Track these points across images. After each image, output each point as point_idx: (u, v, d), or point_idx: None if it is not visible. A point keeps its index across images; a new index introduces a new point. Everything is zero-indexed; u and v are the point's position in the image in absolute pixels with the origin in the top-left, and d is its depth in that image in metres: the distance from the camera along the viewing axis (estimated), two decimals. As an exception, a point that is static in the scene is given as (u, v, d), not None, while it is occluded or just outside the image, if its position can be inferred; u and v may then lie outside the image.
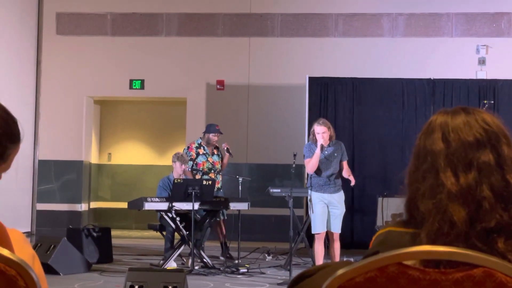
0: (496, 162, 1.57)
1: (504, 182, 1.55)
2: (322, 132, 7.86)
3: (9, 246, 1.64)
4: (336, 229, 7.93)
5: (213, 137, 9.94)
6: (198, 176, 9.76)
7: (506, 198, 1.54)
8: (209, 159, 9.92)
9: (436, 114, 1.69)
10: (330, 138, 7.96)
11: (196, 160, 9.92)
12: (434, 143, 1.62)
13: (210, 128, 10.02)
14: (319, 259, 7.95)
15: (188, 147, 10.07)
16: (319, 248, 7.93)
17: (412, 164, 1.66)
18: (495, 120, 1.64)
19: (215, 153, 10.03)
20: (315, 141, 7.93)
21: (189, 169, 9.83)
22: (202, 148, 9.96)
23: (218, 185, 9.88)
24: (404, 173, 1.68)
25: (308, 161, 7.95)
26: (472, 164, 1.57)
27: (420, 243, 1.52)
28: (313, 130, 7.99)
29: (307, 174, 8.28)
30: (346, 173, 8.03)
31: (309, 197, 8.05)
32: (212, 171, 9.89)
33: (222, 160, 10.08)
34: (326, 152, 7.93)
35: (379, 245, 1.64)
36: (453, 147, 1.60)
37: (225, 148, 9.94)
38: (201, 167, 9.88)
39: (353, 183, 8.08)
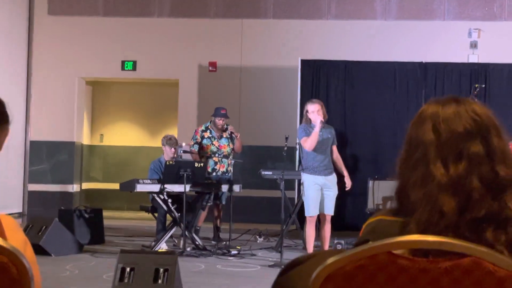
0: (486, 153, 1.58)
1: (493, 172, 1.57)
2: (316, 110, 7.89)
3: (1, 233, 1.65)
4: (330, 210, 7.99)
5: (218, 121, 9.87)
6: (203, 159, 9.74)
7: (495, 188, 1.55)
8: (214, 142, 9.85)
9: (427, 103, 1.70)
10: (324, 117, 7.98)
11: (201, 143, 9.88)
12: (425, 133, 1.63)
13: (216, 112, 9.95)
14: (310, 242, 8.00)
15: (195, 131, 10.04)
16: (310, 230, 7.98)
17: (404, 153, 1.67)
18: (485, 111, 1.65)
19: (224, 136, 9.95)
20: (309, 122, 7.95)
21: (192, 148, 9.79)
22: (208, 131, 9.89)
23: (223, 169, 9.85)
24: (396, 160, 1.69)
25: (305, 139, 7.93)
26: (462, 154, 1.58)
27: (410, 233, 1.53)
28: (306, 111, 8.01)
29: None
30: (341, 163, 8.16)
31: (302, 180, 8.07)
32: (217, 154, 9.83)
33: (233, 144, 9.96)
34: (320, 133, 7.94)
35: (369, 234, 1.65)
36: (443, 138, 1.61)
37: (229, 132, 9.88)
38: (205, 151, 9.85)
39: (348, 186, 8.19)
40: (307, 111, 8.00)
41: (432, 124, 1.63)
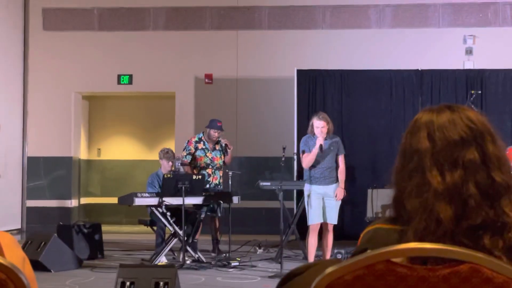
0: (481, 160, 1.58)
1: (490, 179, 1.57)
2: (321, 126, 7.88)
3: (-1, 251, 1.64)
4: (333, 220, 7.97)
5: (213, 133, 9.84)
6: (195, 171, 9.72)
7: (491, 195, 1.55)
8: (207, 154, 9.82)
9: (421, 112, 1.70)
10: (328, 132, 7.98)
11: (194, 154, 9.86)
12: (419, 142, 1.63)
13: (211, 124, 9.92)
14: (312, 251, 7.98)
15: (188, 141, 10.01)
16: (312, 240, 7.96)
17: (399, 163, 1.67)
18: (479, 118, 1.64)
19: (216, 148, 9.93)
20: (313, 133, 7.95)
21: (184, 159, 9.77)
22: (202, 142, 9.86)
23: (215, 181, 9.84)
24: (391, 170, 1.69)
25: (305, 156, 7.96)
26: (458, 162, 1.58)
27: (407, 241, 1.53)
28: (312, 123, 8.00)
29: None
30: (341, 173, 8.07)
31: (306, 192, 8.03)
32: (210, 166, 9.82)
33: (225, 156, 9.93)
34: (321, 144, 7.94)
35: (368, 242, 1.65)
36: (438, 146, 1.61)
37: (224, 145, 9.87)
38: (198, 162, 9.83)
39: (338, 198, 8.07)
40: (312, 124, 7.99)
41: (427, 132, 1.63)
